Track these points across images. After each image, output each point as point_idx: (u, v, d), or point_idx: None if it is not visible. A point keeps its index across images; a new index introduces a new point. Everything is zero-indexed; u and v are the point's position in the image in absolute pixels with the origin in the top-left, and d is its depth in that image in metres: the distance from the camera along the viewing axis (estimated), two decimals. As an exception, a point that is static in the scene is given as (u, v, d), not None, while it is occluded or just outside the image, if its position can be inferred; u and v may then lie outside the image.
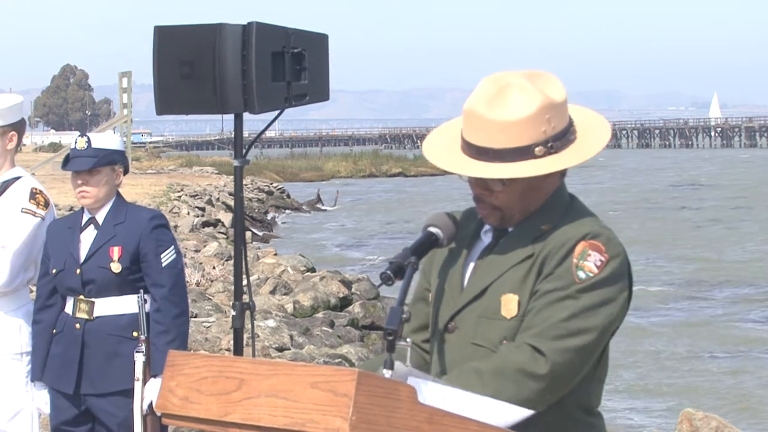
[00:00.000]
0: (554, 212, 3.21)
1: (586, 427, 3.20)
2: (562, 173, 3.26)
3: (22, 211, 5.55)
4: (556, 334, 3.06)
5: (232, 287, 6.23)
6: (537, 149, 3.15)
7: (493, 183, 3.18)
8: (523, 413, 2.96)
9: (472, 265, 3.26)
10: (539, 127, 3.14)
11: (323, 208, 48.86)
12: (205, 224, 30.65)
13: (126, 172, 5.53)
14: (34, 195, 5.60)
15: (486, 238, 3.28)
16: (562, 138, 3.18)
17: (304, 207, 48.97)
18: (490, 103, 3.16)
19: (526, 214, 3.22)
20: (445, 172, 3.37)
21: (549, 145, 3.16)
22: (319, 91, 6.25)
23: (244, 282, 6.10)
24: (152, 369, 5.23)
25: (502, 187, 3.18)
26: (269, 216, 42.72)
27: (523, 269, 3.16)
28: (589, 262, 3.10)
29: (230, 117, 6.15)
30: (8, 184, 5.63)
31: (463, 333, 3.20)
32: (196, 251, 22.81)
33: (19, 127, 5.69)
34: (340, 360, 13.91)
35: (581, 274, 3.09)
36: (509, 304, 3.15)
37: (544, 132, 3.15)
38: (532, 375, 3.04)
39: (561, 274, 3.10)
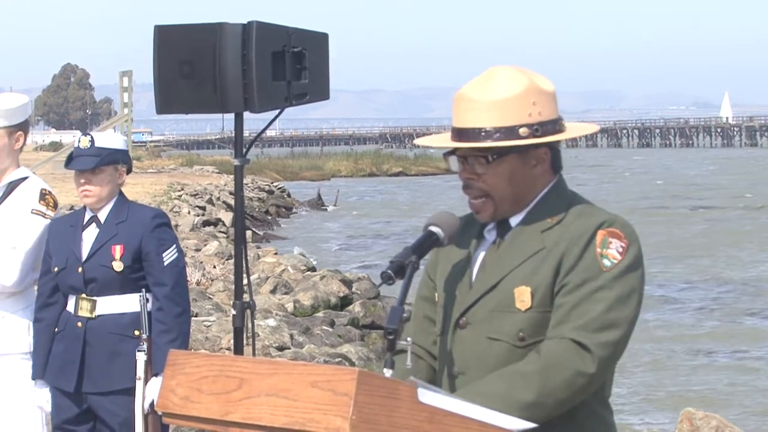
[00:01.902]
0: (557, 204, 3.24)
1: (599, 420, 3.22)
2: (556, 167, 3.29)
3: (32, 212, 5.56)
4: (597, 327, 3.09)
5: (233, 286, 6.24)
6: (521, 130, 3.19)
7: (477, 164, 3.22)
8: (528, 425, 2.96)
9: (479, 262, 3.28)
10: (524, 109, 3.19)
11: (324, 207, 48.85)
12: (206, 223, 30.67)
13: (129, 171, 5.54)
14: (43, 196, 5.61)
15: (490, 236, 3.30)
16: (549, 126, 3.23)
17: (304, 206, 48.96)
18: (478, 86, 3.24)
19: (519, 206, 3.25)
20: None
21: (534, 128, 3.20)
22: (320, 91, 6.25)
23: (245, 281, 6.10)
24: (154, 368, 5.23)
25: (487, 168, 3.21)
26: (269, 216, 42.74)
27: (535, 261, 3.18)
28: (612, 249, 3.14)
29: (231, 116, 6.15)
30: (15, 184, 5.63)
31: (476, 328, 3.21)
32: (197, 250, 22.82)
33: (25, 127, 5.71)
34: (340, 359, 13.92)
35: (606, 262, 3.12)
36: (523, 296, 3.16)
37: (529, 115, 3.20)
38: (582, 373, 3.07)
39: (587, 266, 3.12)
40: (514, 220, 3.26)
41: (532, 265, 3.17)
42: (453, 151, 3.27)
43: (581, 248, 3.14)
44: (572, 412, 3.13)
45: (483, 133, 3.18)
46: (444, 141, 3.29)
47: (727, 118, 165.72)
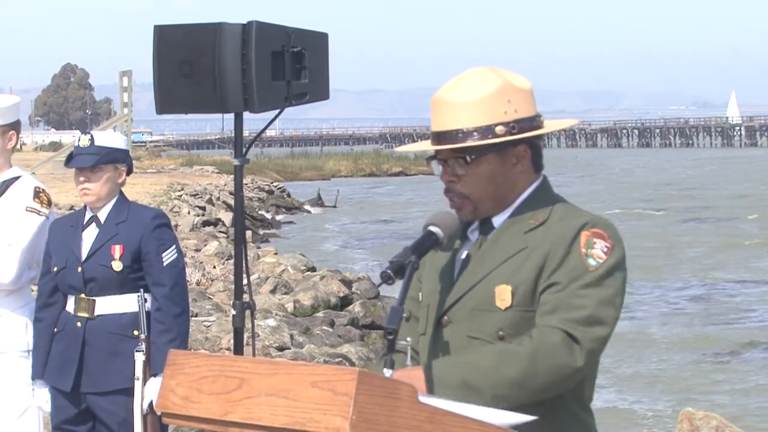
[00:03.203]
0: (541, 206, 3.25)
1: (580, 425, 3.22)
2: (537, 166, 3.31)
3: (27, 210, 5.60)
4: (587, 322, 3.10)
5: (233, 286, 6.23)
6: (498, 128, 3.21)
7: (457, 166, 3.24)
8: (523, 419, 2.96)
9: (461, 261, 3.29)
10: (499, 107, 3.22)
11: (324, 207, 48.85)
12: (206, 223, 30.68)
13: (130, 171, 5.54)
14: (38, 194, 5.65)
15: (473, 236, 3.32)
16: (526, 123, 3.25)
17: (304, 206, 48.95)
18: (453, 89, 3.27)
19: (500, 205, 3.26)
20: None
21: (511, 125, 3.22)
22: (319, 90, 6.24)
23: (245, 281, 6.10)
24: (152, 368, 5.23)
25: (466, 169, 3.23)
26: (269, 216, 42.73)
27: (517, 260, 3.19)
28: (597, 250, 3.15)
29: (230, 116, 6.14)
30: (8, 183, 5.69)
31: (458, 326, 3.23)
32: (197, 250, 22.82)
33: (17, 127, 5.78)
34: (340, 359, 13.92)
35: (592, 262, 3.14)
36: (503, 295, 3.17)
37: (505, 113, 3.22)
38: (570, 364, 3.08)
39: (574, 266, 3.14)
40: (496, 220, 3.28)
41: (514, 264, 3.19)
42: (434, 156, 3.29)
43: (565, 249, 3.15)
44: (552, 417, 3.14)
45: (461, 134, 3.21)
46: (424, 146, 3.33)
47: (727, 118, 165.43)
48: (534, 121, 3.26)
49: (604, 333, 3.12)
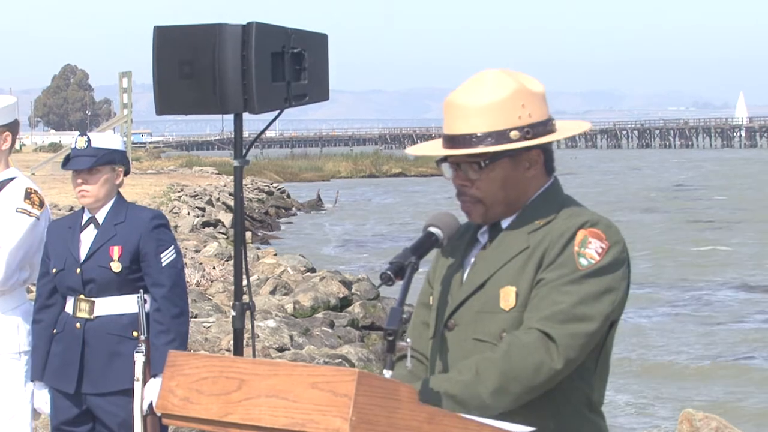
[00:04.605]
0: (548, 208, 3.23)
1: (591, 426, 3.21)
2: (549, 168, 3.29)
3: (17, 211, 5.59)
4: (564, 319, 3.07)
5: (232, 287, 6.23)
6: (512, 133, 3.19)
7: (470, 170, 3.22)
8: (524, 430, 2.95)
9: (470, 264, 3.28)
10: (514, 112, 3.19)
11: (323, 208, 48.85)
12: (205, 224, 30.66)
13: (127, 172, 5.54)
14: (29, 195, 5.63)
15: (483, 239, 3.31)
16: (540, 128, 3.22)
17: (304, 207, 48.95)
18: (466, 92, 3.24)
19: (512, 209, 3.25)
20: None
21: (525, 130, 3.20)
22: (319, 91, 6.25)
23: (244, 282, 6.10)
24: (152, 369, 5.23)
25: (480, 174, 3.21)
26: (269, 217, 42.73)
27: (520, 261, 3.17)
28: (590, 249, 3.13)
29: (230, 117, 6.15)
30: (3, 184, 5.67)
31: (463, 329, 3.21)
32: (196, 251, 22.81)
33: (13, 127, 5.75)
34: (340, 360, 13.92)
35: (583, 261, 3.11)
36: (507, 296, 3.16)
37: (519, 118, 3.20)
38: (547, 363, 3.05)
39: (563, 263, 3.12)
40: (505, 223, 3.27)
41: (518, 265, 3.17)
42: (445, 158, 3.27)
43: (561, 246, 3.14)
44: (560, 419, 3.13)
45: (474, 139, 3.18)
46: (436, 149, 3.29)
47: (730, 118, 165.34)
48: (547, 125, 3.24)
49: (583, 329, 3.08)
